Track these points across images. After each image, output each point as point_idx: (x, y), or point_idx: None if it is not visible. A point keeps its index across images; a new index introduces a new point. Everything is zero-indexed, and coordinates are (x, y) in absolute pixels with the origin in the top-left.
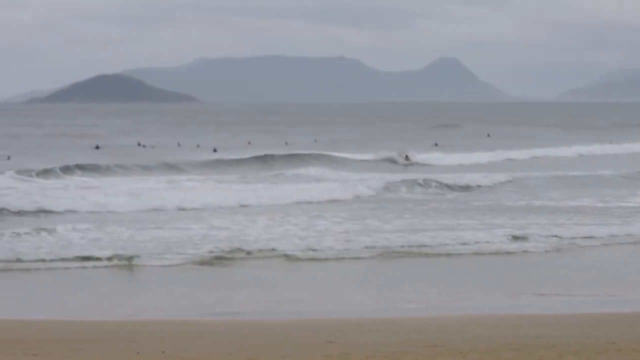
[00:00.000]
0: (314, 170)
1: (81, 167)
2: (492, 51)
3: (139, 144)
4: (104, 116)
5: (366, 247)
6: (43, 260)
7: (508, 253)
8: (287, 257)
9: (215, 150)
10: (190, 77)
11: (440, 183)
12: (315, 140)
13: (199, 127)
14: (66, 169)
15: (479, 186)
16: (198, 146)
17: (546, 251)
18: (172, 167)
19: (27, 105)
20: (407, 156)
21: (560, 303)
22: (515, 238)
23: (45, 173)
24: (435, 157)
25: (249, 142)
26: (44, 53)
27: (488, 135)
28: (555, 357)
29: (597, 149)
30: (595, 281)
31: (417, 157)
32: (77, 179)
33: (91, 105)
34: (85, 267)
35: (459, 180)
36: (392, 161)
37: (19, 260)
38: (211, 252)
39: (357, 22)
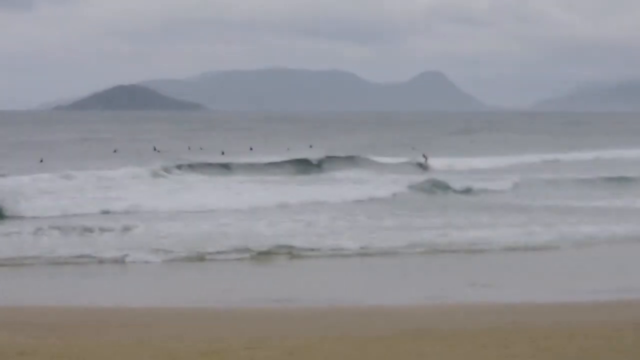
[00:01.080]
0: (350, 173)
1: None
2: (472, 65)
3: (155, 149)
4: (121, 123)
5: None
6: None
7: (510, 249)
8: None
9: (223, 153)
10: (199, 88)
11: (454, 187)
12: (311, 146)
13: (206, 132)
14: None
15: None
16: (201, 149)
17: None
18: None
19: (53, 112)
20: (425, 158)
21: (535, 292)
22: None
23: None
24: (449, 162)
25: (251, 148)
26: (67, 65)
27: (471, 142)
28: (527, 341)
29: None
30: (579, 274)
31: (434, 161)
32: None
33: (110, 113)
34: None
35: (472, 183)
36: (411, 164)
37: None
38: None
39: (351, 37)
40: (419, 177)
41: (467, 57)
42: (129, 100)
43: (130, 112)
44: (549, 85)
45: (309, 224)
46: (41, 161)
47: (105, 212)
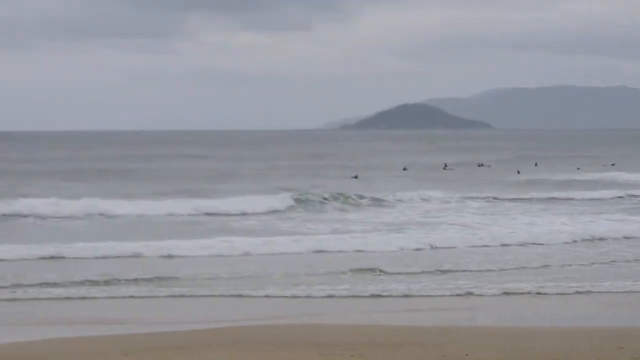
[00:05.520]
0: None
1: None
2: None
3: (404, 169)
4: (406, 141)
5: None
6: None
7: None
8: None
9: (518, 172)
10: (483, 106)
11: None
12: (613, 165)
13: (491, 151)
14: None
15: None
16: (518, 172)
17: None
18: None
19: (339, 131)
20: None
21: None
22: None
23: None
24: None
25: (536, 164)
26: (352, 85)
27: None
28: None
29: None
30: None
31: None
32: None
33: (394, 132)
34: None
35: None
36: None
37: None
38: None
39: (636, 54)
40: None
41: None
42: (413, 119)
43: (414, 131)
44: None
45: None
46: (356, 177)
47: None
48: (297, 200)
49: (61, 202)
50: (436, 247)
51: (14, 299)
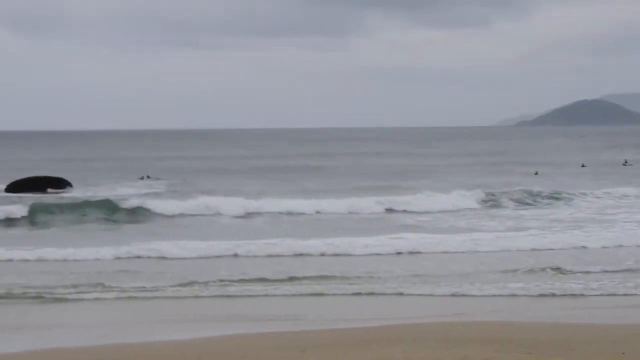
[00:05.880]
0: None
1: None
2: None
3: (625, 163)
4: (584, 138)
5: None
6: None
7: None
8: None
9: None
10: None
11: None
12: None
13: None
14: None
15: None
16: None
17: None
18: None
19: (514, 128)
20: None
21: None
22: None
23: None
24: None
25: None
26: (530, 81)
27: None
28: None
29: None
30: None
31: None
32: None
33: (572, 129)
34: None
35: None
36: None
37: None
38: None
39: None
40: None
41: None
42: (590, 115)
43: (593, 127)
44: None
45: None
46: (536, 174)
47: None
48: (487, 195)
49: (241, 200)
50: (619, 245)
51: (195, 296)
